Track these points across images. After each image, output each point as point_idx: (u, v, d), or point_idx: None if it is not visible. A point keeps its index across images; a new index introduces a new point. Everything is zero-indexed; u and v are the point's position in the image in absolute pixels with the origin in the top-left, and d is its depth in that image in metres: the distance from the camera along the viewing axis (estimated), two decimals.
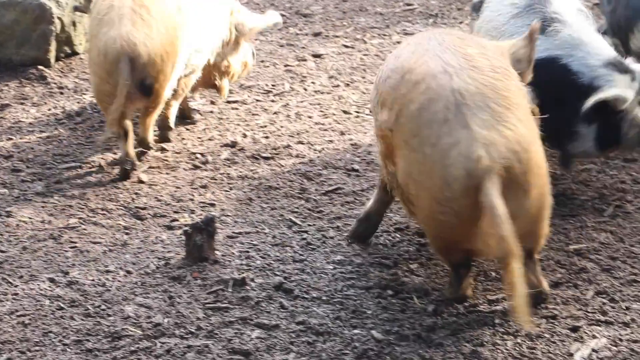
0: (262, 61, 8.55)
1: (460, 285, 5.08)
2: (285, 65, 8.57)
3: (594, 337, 4.74)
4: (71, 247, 5.69)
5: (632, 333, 4.77)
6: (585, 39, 6.13)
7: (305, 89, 8.05)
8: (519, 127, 4.68)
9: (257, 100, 7.83)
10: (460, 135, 4.59)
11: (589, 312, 4.96)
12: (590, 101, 5.73)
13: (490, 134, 4.59)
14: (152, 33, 6.45)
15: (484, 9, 6.52)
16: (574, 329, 4.80)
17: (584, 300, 5.06)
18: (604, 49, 6.11)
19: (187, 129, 7.27)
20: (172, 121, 7.18)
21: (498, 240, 4.46)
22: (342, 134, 7.19)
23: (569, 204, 6.08)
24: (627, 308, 4.99)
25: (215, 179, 6.49)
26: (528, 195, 4.67)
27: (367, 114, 7.39)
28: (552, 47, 6.05)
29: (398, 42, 8.52)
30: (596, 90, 5.78)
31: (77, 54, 8.69)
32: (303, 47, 8.99)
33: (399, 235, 5.78)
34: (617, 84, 5.81)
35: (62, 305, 5.03)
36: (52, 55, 8.42)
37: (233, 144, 6.99)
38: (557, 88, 5.98)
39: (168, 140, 7.11)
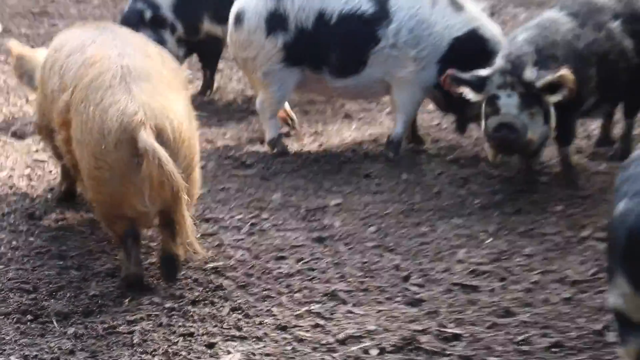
0: None
1: (131, 259, 5.25)
2: None
3: (229, 352, 4.71)
4: None
5: (264, 347, 4.77)
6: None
7: None
8: (173, 101, 5.19)
9: None
10: (121, 97, 5.00)
11: (224, 328, 4.95)
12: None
13: (147, 99, 5.01)
14: None
15: None
16: (210, 346, 4.77)
17: (219, 316, 5.04)
18: None
19: None
20: None
21: (164, 183, 4.83)
22: None
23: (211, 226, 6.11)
24: (261, 323, 5.00)
25: None
26: (177, 159, 4.98)
27: None
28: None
29: None
30: None
31: None
32: None
33: (39, 260, 5.64)
34: None
35: None
36: None
37: None
38: None
39: None
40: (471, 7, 6.99)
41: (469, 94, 6.16)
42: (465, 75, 6.16)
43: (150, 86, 5.17)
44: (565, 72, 5.87)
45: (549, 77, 5.91)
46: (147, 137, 4.84)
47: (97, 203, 5.37)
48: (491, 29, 6.81)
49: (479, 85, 6.10)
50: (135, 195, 5.02)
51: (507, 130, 5.98)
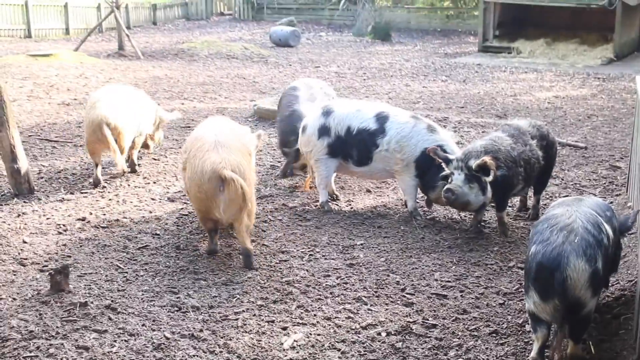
0: None
1: (212, 242, 6.00)
2: None
3: (295, 332, 4.71)
4: None
5: (317, 330, 4.76)
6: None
7: None
8: (241, 158, 5.76)
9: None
10: (213, 156, 5.64)
11: (293, 318, 4.93)
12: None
13: (227, 156, 5.64)
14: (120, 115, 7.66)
15: None
16: (284, 328, 4.77)
17: (290, 310, 5.01)
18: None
19: (55, 209, 7.07)
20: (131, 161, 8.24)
21: (234, 202, 5.57)
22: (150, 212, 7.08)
23: (285, 256, 6.09)
24: (315, 315, 4.96)
25: (72, 241, 6.31)
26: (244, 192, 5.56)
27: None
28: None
29: None
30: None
31: None
32: None
33: (182, 274, 5.63)
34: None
35: None
36: None
37: (83, 219, 6.80)
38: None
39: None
40: (442, 131, 7.00)
41: (442, 164, 6.25)
42: (441, 153, 6.26)
43: (229, 150, 5.74)
44: (486, 158, 5.94)
45: (477, 161, 5.98)
46: (229, 172, 5.51)
47: (197, 212, 6.03)
48: (452, 146, 6.73)
49: (446, 162, 6.18)
50: (217, 209, 5.65)
51: (450, 193, 6.07)
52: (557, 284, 4.00)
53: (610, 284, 5.12)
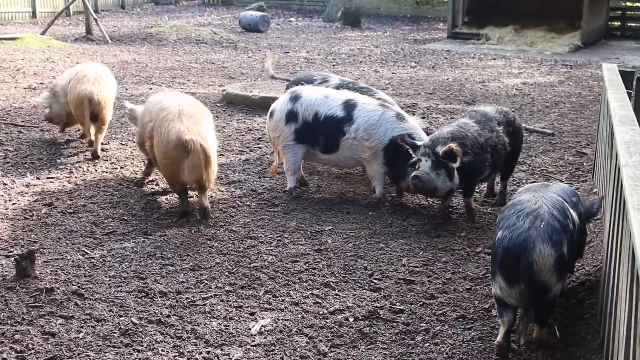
0: None
1: (184, 203, 6.48)
2: None
3: (263, 318, 4.72)
4: None
5: (285, 315, 4.77)
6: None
7: None
8: (205, 129, 6.37)
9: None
10: (178, 125, 6.21)
11: (260, 303, 4.93)
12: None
13: (191, 126, 6.20)
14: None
15: None
16: (252, 314, 4.78)
17: (258, 296, 5.02)
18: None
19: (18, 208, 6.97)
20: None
21: (197, 166, 6.09)
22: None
23: (253, 241, 6.08)
24: (282, 300, 4.97)
25: (38, 226, 6.25)
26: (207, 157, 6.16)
27: None
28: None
29: None
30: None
31: None
32: None
33: (149, 259, 5.60)
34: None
35: None
36: None
37: (50, 204, 6.73)
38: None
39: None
40: (411, 119, 6.95)
41: (409, 151, 6.22)
42: (409, 140, 6.24)
43: (192, 119, 6.30)
44: (452, 144, 5.95)
45: (443, 147, 5.99)
46: (194, 137, 6.09)
47: (165, 177, 6.70)
48: (420, 133, 6.66)
49: (413, 149, 6.17)
50: (182, 173, 6.18)
51: (417, 180, 6.07)
52: (523, 269, 4.04)
53: (575, 269, 5.19)
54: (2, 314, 4.70)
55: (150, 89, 11.96)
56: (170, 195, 6.93)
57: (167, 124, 6.24)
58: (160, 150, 6.31)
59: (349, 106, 6.79)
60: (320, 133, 6.83)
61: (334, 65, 15.06)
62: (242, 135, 9.19)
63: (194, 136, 6.09)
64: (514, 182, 7.43)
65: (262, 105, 9.88)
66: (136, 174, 7.61)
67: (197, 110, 6.54)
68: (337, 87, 7.65)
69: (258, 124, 9.61)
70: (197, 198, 6.38)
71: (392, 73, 14.26)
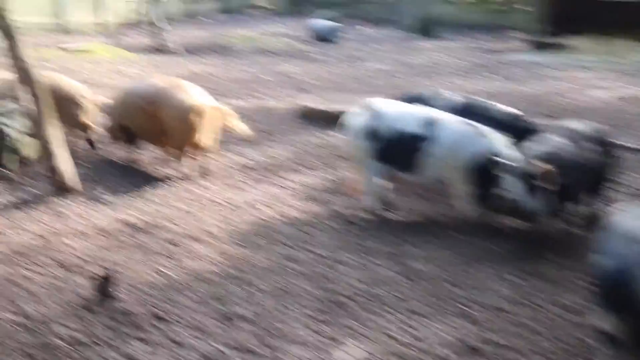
0: None
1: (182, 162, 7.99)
2: None
3: None
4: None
5: None
6: None
7: None
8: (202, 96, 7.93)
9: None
10: (184, 96, 7.86)
11: None
12: None
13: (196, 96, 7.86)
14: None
15: None
16: None
17: None
18: None
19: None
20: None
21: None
22: None
23: None
24: None
25: (117, 246, 6.33)
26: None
27: None
28: None
29: None
30: None
31: None
32: None
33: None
34: None
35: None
36: None
37: (129, 223, 6.83)
38: None
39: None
40: (499, 137, 6.58)
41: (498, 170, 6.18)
42: (498, 160, 6.20)
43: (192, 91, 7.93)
44: (548, 167, 5.88)
45: (539, 169, 5.91)
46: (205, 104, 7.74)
47: (178, 142, 7.87)
48: (508, 152, 6.34)
49: (504, 169, 6.11)
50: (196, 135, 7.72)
51: (509, 202, 6.18)
52: None
53: None
54: (82, 335, 4.78)
55: (227, 103, 12.05)
56: (248, 215, 6.96)
57: (174, 97, 7.65)
58: (175, 120, 7.61)
59: (430, 123, 6.63)
60: (399, 151, 6.69)
61: (409, 77, 15.01)
62: (322, 149, 9.23)
63: (204, 102, 7.73)
64: (610, 204, 7.22)
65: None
66: (218, 192, 7.69)
67: (184, 84, 7.95)
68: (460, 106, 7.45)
69: (338, 140, 9.59)
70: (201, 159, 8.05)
71: (473, 85, 14.10)
